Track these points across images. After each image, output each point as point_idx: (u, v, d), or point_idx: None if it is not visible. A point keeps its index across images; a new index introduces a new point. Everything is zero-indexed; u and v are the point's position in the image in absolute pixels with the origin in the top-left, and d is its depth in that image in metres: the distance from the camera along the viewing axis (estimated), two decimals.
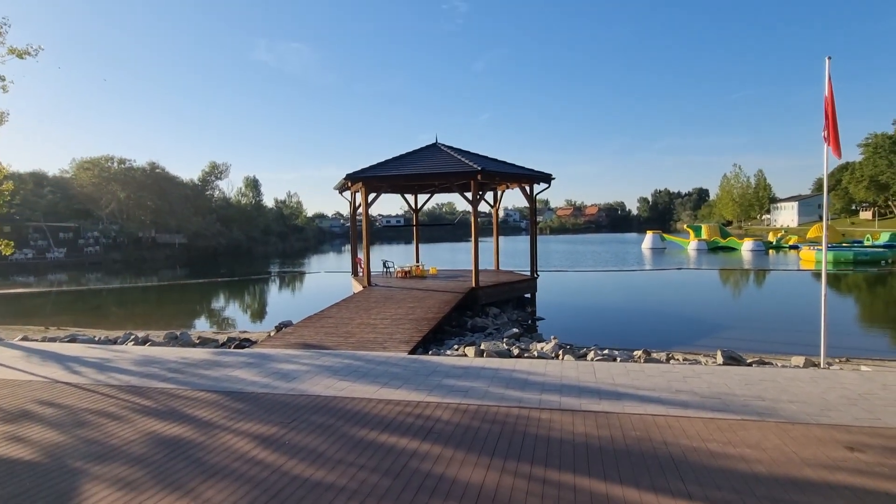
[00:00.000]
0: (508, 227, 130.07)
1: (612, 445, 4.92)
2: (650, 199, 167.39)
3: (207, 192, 77.11)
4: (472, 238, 16.65)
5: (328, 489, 4.16)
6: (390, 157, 18.56)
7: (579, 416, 5.72)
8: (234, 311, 24.79)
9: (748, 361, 9.12)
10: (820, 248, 38.09)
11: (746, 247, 47.21)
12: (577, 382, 7.02)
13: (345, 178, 17.43)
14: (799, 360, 8.64)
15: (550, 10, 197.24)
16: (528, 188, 18.97)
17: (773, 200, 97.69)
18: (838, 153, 8.07)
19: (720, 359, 9.10)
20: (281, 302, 27.09)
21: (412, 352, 9.27)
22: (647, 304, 21.29)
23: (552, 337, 11.51)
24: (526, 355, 9.46)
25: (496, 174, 16.92)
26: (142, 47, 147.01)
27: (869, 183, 74.74)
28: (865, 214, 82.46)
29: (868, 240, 44.91)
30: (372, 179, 17.18)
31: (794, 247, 47.74)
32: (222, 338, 12.17)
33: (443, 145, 19.21)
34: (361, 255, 19.33)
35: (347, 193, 20.64)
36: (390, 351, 9.19)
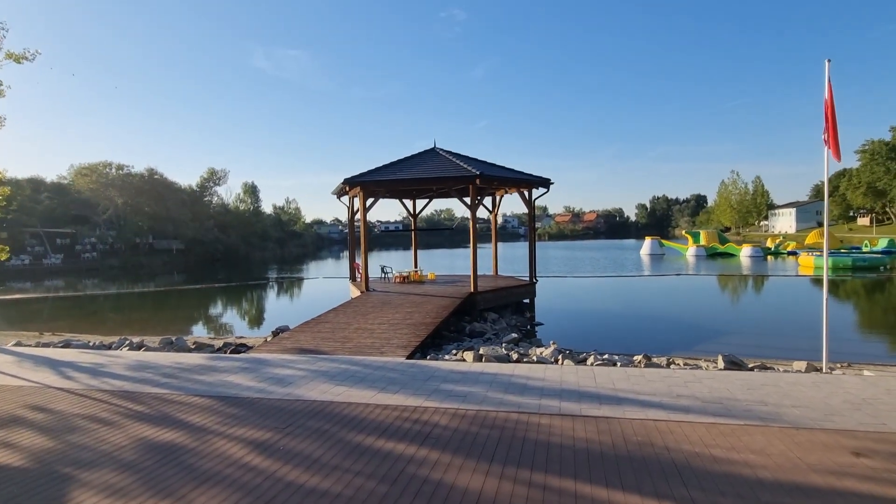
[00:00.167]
0: (507, 233, 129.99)
1: (614, 451, 4.82)
2: (648, 205, 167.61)
3: (206, 199, 76.93)
4: (471, 243, 16.58)
5: (323, 496, 4.05)
6: (388, 162, 18.51)
7: (579, 422, 5.62)
8: (231, 316, 24.66)
9: (749, 366, 9.03)
10: (818, 253, 38.08)
11: (745, 253, 47.19)
12: (577, 387, 6.92)
13: (343, 183, 17.36)
14: (801, 364, 8.55)
15: (547, 18, 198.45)
16: (526, 193, 18.93)
17: (771, 207, 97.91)
18: (838, 156, 8.03)
19: (721, 363, 9.01)
20: (279, 307, 26.96)
21: (410, 357, 9.16)
22: (647, 309, 21.21)
23: (551, 342, 11.41)
24: (525, 360, 9.36)
25: (494, 179, 16.88)
26: (141, 54, 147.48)
27: (866, 189, 74.89)
28: (863, 221, 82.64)
29: (866, 246, 44.93)
30: (370, 184, 17.11)
31: (793, 253, 47.75)
32: (218, 343, 12.06)
33: (441, 150, 19.17)
34: (359, 261, 19.24)
35: (346, 198, 20.58)
36: (388, 356, 9.09)
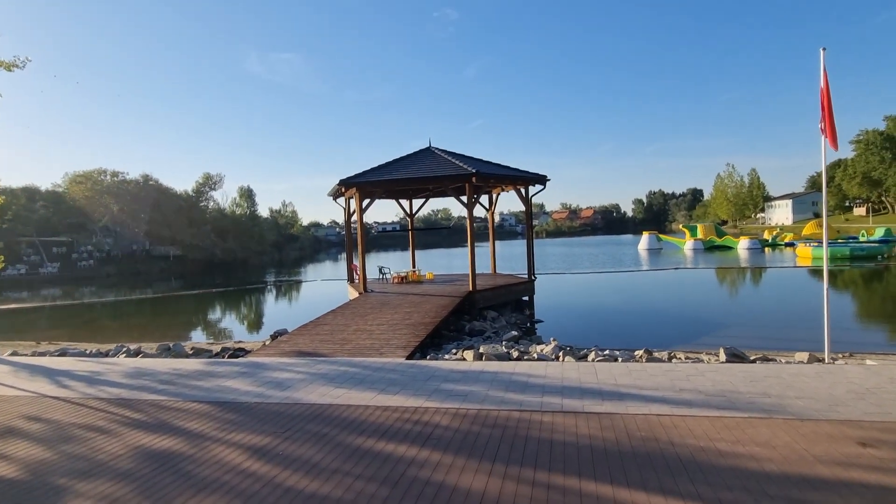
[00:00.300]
0: (504, 231, 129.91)
1: (618, 447, 4.76)
2: (645, 200, 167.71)
3: (202, 204, 76.60)
4: (468, 241, 16.51)
5: (323, 501, 3.98)
6: (384, 162, 18.43)
7: (582, 418, 5.56)
8: (229, 321, 24.55)
9: (751, 358, 8.98)
10: (816, 244, 38.11)
11: (743, 245, 47.25)
12: (579, 384, 6.86)
13: (338, 184, 17.27)
14: (803, 355, 8.50)
15: (540, 16, 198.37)
16: (523, 190, 18.87)
17: (768, 199, 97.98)
18: (835, 145, 7.97)
19: (723, 356, 8.96)
20: (277, 311, 26.85)
21: (410, 357, 9.09)
22: (646, 304, 21.18)
23: (552, 339, 11.35)
24: (525, 358, 9.30)
25: (491, 176, 16.81)
26: (133, 59, 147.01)
27: (862, 179, 75.06)
28: (859, 210, 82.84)
29: (863, 235, 44.98)
30: (366, 184, 17.03)
31: (790, 244, 47.82)
32: (216, 348, 11.97)
33: (436, 149, 19.10)
34: (357, 262, 19.16)
35: (342, 200, 20.49)
36: (387, 357, 9.01)
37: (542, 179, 18.23)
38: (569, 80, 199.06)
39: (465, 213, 16.70)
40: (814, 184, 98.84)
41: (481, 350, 9.44)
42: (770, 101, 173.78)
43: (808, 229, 55.03)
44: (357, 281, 19.06)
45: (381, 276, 22.09)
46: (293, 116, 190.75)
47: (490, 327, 14.22)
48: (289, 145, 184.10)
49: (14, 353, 11.60)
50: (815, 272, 29.14)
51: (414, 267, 22.69)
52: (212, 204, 78.78)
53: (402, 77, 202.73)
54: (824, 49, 7.91)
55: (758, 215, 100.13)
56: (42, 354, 11.42)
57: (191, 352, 11.40)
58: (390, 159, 18.75)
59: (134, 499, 4.14)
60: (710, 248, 49.84)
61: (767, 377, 6.82)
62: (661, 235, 61.08)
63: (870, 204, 78.90)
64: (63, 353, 11.31)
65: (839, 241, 41.59)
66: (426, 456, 4.76)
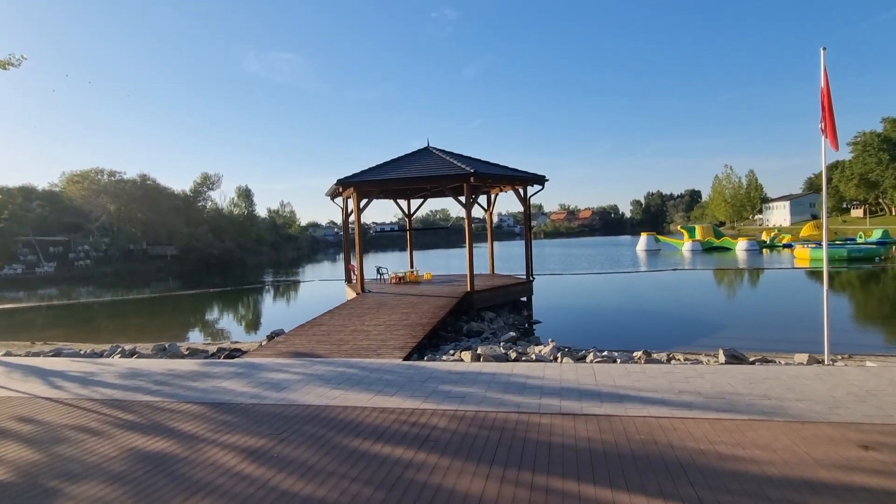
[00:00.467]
0: (503, 232, 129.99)
1: (617, 450, 4.71)
2: (643, 201, 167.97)
3: (200, 203, 76.52)
4: (466, 242, 16.46)
5: None
6: (382, 162, 18.37)
7: (581, 420, 5.50)
8: (226, 321, 24.45)
9: (751, 360, 8.94)
10: (814, 245, 38.15)
11: (741, 246, 47.31)
12: (578, 385, 6.80)
13: (336, 184, 17.21)
14: (802, 357, 8.46)
15: (539, 16, 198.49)
16: (521, 190, 18.83)
17: (765, 200, 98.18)
18: (836, 145, 7.93)
19: (722, 358, 8.91)
20: (275, 311, 26.76)
21: (407, 358, 9.03)
22: (645, 305, 21.15)
23: (550, 340, 11.30)
24: (524, 359, 9.24)
25: (489, 176, 16.76)
26: (132, 58, 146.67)
27: (859, 181, 75.24)
28: (857, 212, 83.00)
29: (861, 237, 45.09)
30: (363, 184, 16.97)
31: (788, 245, 47.90)
32: (212, 348, 11.89)
33: (434, 149, 19.04)
34: (355, 262, 19.08)
35: (339, 200, 20.41)
36: (384, 358, 8.95)
37: (540, 179, 18.19)
38: (568, 79, 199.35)
39: (463, 213, 16.65)
40: (811, 185, 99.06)
41: (479, 351, 9.39)
42: (768, 102, 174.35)
43: (806, 231, 55.15)
44: (354, 281, 18.99)
45: (378, 277, 22.03)
46: (292, 116, 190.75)
47: (488, 328, 14.17)
48: (288, 145, 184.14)
49: (8, 354, 11.51)
50: (813, 274, 29.16)
51: (412, 267, 22.62)
52: (210, 204, 78.70)
53: (402, 77, 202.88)
54: (824, 49, 7.88)
55: (755, 217, 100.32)
56: (36, 355, 11.33)
57: (186, 352, 11.31)
58: (388, 159, 18.70)
59: (126, 502, 4.07)
60: (708, 249, 49.90)
61: (767, 379, 6.77)
62: (660, 237, 61.13)
63: (867, 206, 79.05)
64: (57, 354, 11.22)
65: (837, 242, 41.67)
66: (423, 458, 4.69)
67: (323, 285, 35.87)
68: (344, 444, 5.10)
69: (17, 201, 54.21)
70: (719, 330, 14.85)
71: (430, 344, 11.81)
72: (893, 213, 76.31)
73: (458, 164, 16.57)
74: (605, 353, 9.82)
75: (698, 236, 52.86)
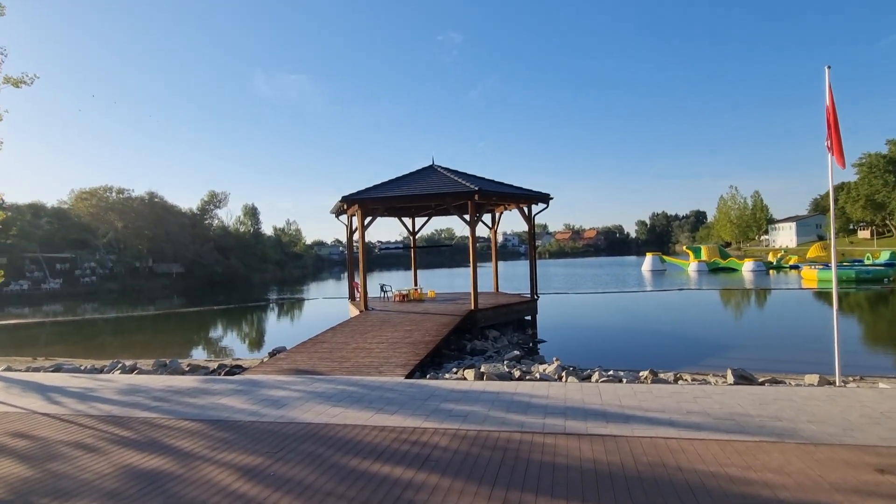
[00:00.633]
0: (508, 251, 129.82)
1: (623, 471, 4.56)
2: (648, 221, 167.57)
3: (206, 221, 77.01)
4: (471, 259, 16.38)
5: None
6: (387, 180, 18.43)
7: (586, 441, 5.36)
8: (230, 339, 24.34)
9: (760, 381, 8.75)
10: (821, 266, 37.82)
11: (747, 267, 46.97)
12: (583, 405, 6.65)
13: (341, 201, 17.24)
14: (813, 378, 8.27)
15: (543, 39, 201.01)
16: (526, 209, 18.79)
17: (771, 221, 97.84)
18: (842, 163, 7.87)
19: (731, 378, 8.73)
20: (278, 329, 26.64)
21: (409, 376, 8.90)
22: (651, 325, 20.91)
23: (554, 359, 11.14)
24: (528, 378, 9.08)
25: (493, 194, 16.76)
26: (144, 78, 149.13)
27: (865, 202, 74.86)
28: (864, 234, 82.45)
29: (868, 259, 44.68)
30: (368, 201, 16.99)
31: (795, 266, 47.53)
32: (213, 365, 11.78)
33: (439, 167, 19.11)
34: (358, 280, 19.02)
35: (344, 217, 20.45)
36: (386, 375, 8.82)
37: (544, 198, 18.17)
38: (572, 101, 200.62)
39: (467, 232, 16.61)
40: (817, 206, 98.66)
41: (482, 369, 9.24)
42: (774, 124, 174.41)
43: (813, 252, 54.76)
44: (358, 299, 18.90)
45: (382, 295, 21.93)
46: (299, 136, 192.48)
47: (492, 346, 14.01)
48: (294, 164, 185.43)
49: (8, 369, 11.44)
50: (821, 295, 28.84)
51: (416, 285, 22.53)
52: (216, 221, 79.25)
53: (408, 99, 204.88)
54: (829, 67, 7.87)
55: (761, 238, 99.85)
56: (37, 370, 11.26)
57: (187, 368, 11.21)
58: (393, 177, 18.75)
59: None
60: (714, 269, 49.57)
61: (777, 400, 6.60)
62: (665, 257, 60.90)
63: (874, 227, 78.55)
64: (58, 369, 11.14)
65: (844, 263, 41.30)
66: (423, 478, 4.56)
67: (327, 303, 35.76)
68: (342, 463, 4.97)
69: (25, 218, 54.65)
70: (727, 350, 14.61)
71: (433, 362, 11.67)
72: None
73: (463, 181, 16.60)
74: (611, 372, 9.65)
75: (704, 257, 52.58)
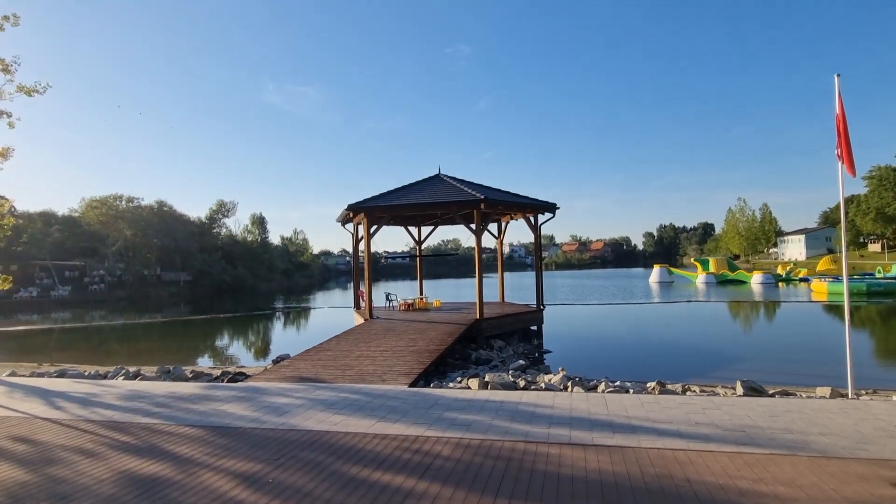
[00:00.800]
0: (514, 262, 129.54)
1: (630, 482, 4.44)
2: (655, 233, 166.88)
3: (214, 230, 77.47)
4: (476, 268, 16.31)
5: None
6: (392, 188, 18.45)
7: (591, 451, 5.24)
8: (235, 347, 24.30)
9: (770, 392, 8.58)
10: (831, 279, 37.39)
11: (756, 280, 46.53)
12: (588, 415, 6.53)
13: (347, 209, 17.26)
14: (825, 390, 8.10)
15: (552, 51, 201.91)
16: (532, 218, 18.74)
17: (780, 234, 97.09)
18: (853, 171, 7.76)
19: (740, 390, 8.57)
20: (283, 337, 26.58)
21: (413, 384, 8.80)
22: (658, 336, 20.68)
23: (560, 369, 11.01)
24: (533, 387, 8.96)
25: (499, 203, 16.72)
26: (155, 89, 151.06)
27: (876, 215, 74.24)
28: (874, 247, 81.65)
29: (879, 272, 44.12)
30: (374, 209, 17.00)
31: (805, 279, 47.03)
32: (216, 372, 11.73)
33: (445, 176, 19.11)
34: (364, 288, 18.97)
35: (350, 225, 20.46)
36: (389, 384, 8.73)
37: (551, 207, 18.11)
38: (580, 112, 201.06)
39: (473, 242, 16.55)
40: (826, 219, 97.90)
41: (487, 378, 9.13)
42: (782, 136, 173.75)
43: (823, 265, 54.19)
44: (363, 307, 18.85)
45: (387, 304, 21.87)
46: (308, 146, 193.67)
47: (497, 356, 13.89)
48: (302, 174, 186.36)
49: (12, 374, 11.44)
50: (831, 308, 28.46)
51: (421, 294, 22.45)
52: (224, 231, 79.63)
53: (416, 110, 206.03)
54: (839, 75, 7.79)
55: (770, 250, 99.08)
56: (41, 375, 11.25)
57: (191, 375, 11.17)
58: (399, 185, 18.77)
59: None
60: (722, 282, 49.14)
61: (788, 412, 6.45)
62: (673, 269, 60.46)
63: (885, 240, 77.75)
64: (61, 375, 11.14)
65: (855, 277, 40.81)
66: (425, 487, 4.47)
67: (332, 312, 35.72)
68: (342, 471, 4.88)
69: (36, 226, 55.23)
70: (736, 362, 14.39)
71: (438, 371, 11.57)
72: None
73: (469, 190, 16.58)
74: (618, 382, 9.50)
75: (712, 269, 52.15)
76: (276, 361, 12.79)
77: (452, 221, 21.73)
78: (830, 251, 76.40)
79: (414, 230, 24.19)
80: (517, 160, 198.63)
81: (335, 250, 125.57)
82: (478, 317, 15.68)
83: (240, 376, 10.75)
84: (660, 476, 4.57)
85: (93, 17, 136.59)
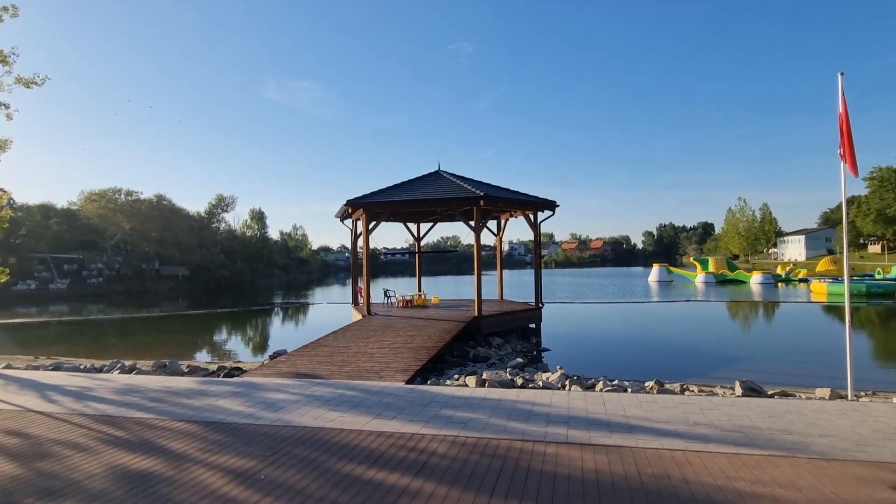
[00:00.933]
0: (513, 260, 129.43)
1: (627, 482, 4.39)
2: (655, 233, 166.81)
3: (213, 225, 77.33)
4: (475, 264, 16.25)
5: None
6: (392, 184, 18.36)
7: (589, 451, 5.19)
8: (233, 342, 24.25)
9: (769, 393, 8.53)
10: (831, 280, 37.36)
11: (755, 280, 46.52)
12: (586, 414, 6.48)
13: (345, 205, 17.18)
14: (824, 392, 8.05)
15: (553, 50, 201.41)
16: (531, 216, 18.67)
17: (780, 234, 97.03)
18: (855, 171, 7.69)
19: (739, 390, 8.52)
20: (281, 332, 26.55)
21: (410, 381, 8.75)
22: (657, 335, 20.64)
23: (558, 367, 10.96)
24: (530, 385, 8.91)
25: (499, 200, 16.64)
26: (157, 84, 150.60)
27: (876, 216, 74.15)
28: (874, 248, 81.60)
29: (879, 273, 44.08)
30: (372, 205, 16.92)
31: (804, 280, 47.01)
32: (212, 367, 11.67)
33: (445, 172, 19.03)
34: (362, 284, 18.91)
35: (349, 221, 20.39)
36: (386, 380, 8.68)
37: (550, 205, 18.03)
38: (581, 111, 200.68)
39: (472, 240, 16.48)
40: (827, 220, 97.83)
41: (484, 376, 9.08)
42: (783, 136, 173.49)
43: (823, 265, 54.15)
44: (361, 303, 18.79)
45: (386, 300, 21.82)
46: (308, 142, 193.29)
47: (495, 354, 13.84)
48: (302, 170, 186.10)
49: (8, 366, 11.39)
50: (831, 308, 28.43)
51: (419, 290, 22.39)
52: (223, 225, 79.53)
53: (417, 106, 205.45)
54: (842, 73, 7.72)
55: (770, 251, 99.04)
56: (36, 368, 11.20)
57: (186, 370, 11.11)
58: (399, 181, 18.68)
59: None
60: (721, 281, 49.12)
61: (787, 413, 6.40)
62: (672, 268, 60.43)
63: (885, 242, 77.71)
64: (57, 368, 11.08)
65: (855, 278, 40.77)
66: (419, 485, 4.41)
67: (331, 308, 35.68)
68: (336, 468, 4.83)
69: (35, 219, 55.10)
70: (735, 362, 14.35)
71: (435, 368, 11.51)
72: None
73: (468, 187, 16.50)
74: (616, 382, 9.45)
75: (712, 269, 52.10)
76: (272, 357, 12.73)
77: (452, 218, 21.64)
78: (830, 252, 76.41)
79: (413, 227, 24.11)
80: (517, 158, 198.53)
81: (334, 246, 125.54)
82: (476, 314, 15.62)
83: (236, 371, 10.69)
84: (657, 476, 4.52)
85: (96, 10, 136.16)
